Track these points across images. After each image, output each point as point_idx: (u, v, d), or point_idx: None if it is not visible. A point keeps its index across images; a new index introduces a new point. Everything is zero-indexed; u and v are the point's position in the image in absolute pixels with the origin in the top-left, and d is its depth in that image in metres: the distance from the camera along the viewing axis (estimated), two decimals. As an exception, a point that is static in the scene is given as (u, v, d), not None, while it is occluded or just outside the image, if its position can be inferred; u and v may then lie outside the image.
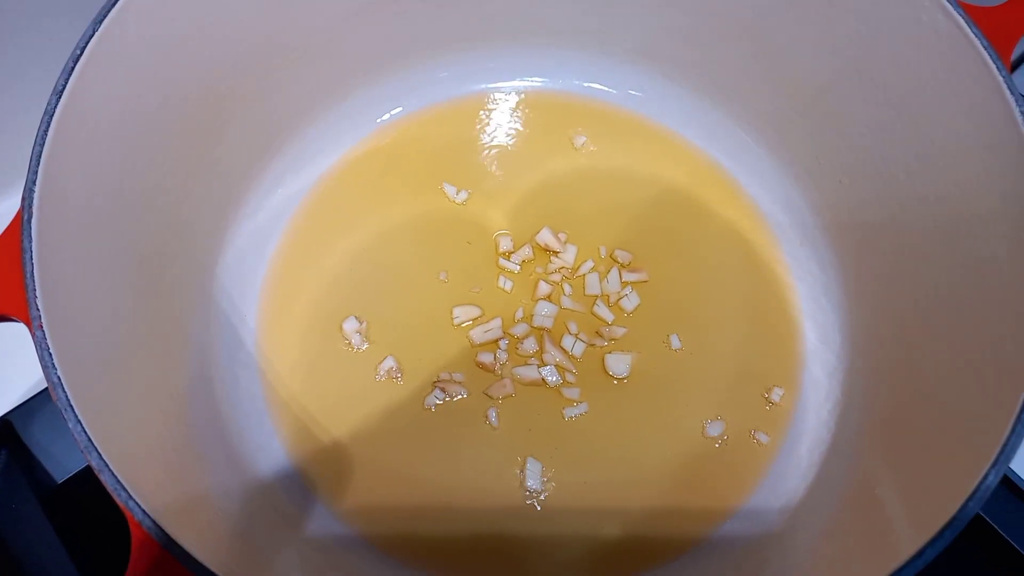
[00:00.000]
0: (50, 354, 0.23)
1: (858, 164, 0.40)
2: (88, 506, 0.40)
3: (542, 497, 0.36)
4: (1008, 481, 0.39)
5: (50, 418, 0.41)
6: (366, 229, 0.43)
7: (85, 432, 0.22)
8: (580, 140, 0.46)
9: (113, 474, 0.22)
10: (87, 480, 0.40)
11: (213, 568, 0.21)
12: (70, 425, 0.22)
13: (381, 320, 0.41)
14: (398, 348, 0.40)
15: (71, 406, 0.23)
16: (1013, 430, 0.23)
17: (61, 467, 0.40)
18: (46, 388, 0.41)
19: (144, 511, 0.22)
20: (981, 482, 0.22)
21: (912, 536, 0.22)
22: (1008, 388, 0.25)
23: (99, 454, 0.22)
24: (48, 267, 0.26)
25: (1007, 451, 0.23)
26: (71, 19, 0.41)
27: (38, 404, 0.41)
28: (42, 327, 0.24)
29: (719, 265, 0.43)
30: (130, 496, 0.22)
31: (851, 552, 0.27)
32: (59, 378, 0.23)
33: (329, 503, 0.36)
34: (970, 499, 0.22)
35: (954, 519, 0.22)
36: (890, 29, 0.35)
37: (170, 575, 0.22)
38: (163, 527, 0.21)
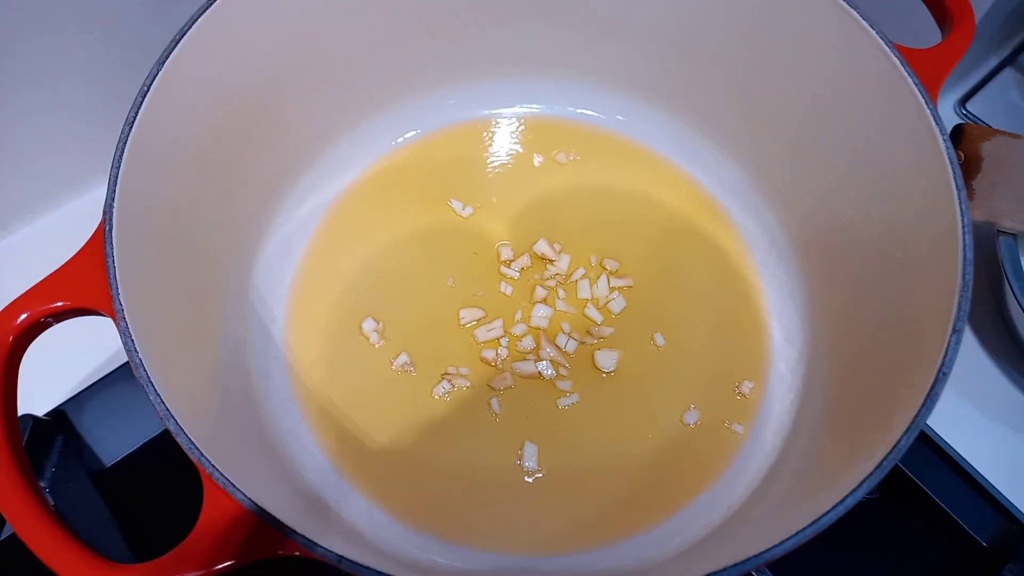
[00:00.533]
0: (132, 340, 0.28)
1: (820, 189, 0.44)
2: (134, 486, 0.44)
3: (537, 475, 0.40)
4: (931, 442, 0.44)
5: (98, 409, 0.44)
6: (382, 239, 0.47)
7: (164, 403, 0.27)
8: (561, 157, 0.50)
9: (188, 436, 0.27)
10: (132, 464, 0.45)
11: (285, 520, 0.26)
12: (151, 398, 0.27)
13: (395, 320, 0.44)
14: (411, 345, 0.43)
15: (151, 381, 0.27)
16: (922, 407, 0.28)
17: (109, 452, 0.43)
18: (95, 382, 0.46)
19: (214, 465, 0.26)
20: (896, 444, 0.27)
21: (841, 488, 0.27)
22: (923, 379, 0.30)
23: (175, 420, 0.27)
24: (124, 270, 0.31)
25: (917, 421, 0.28)
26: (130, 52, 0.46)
27: (88, 396, 0.44)
28: (125, 318, 0.29)
29: (697, 272, 0.47)
30: (203, 454, 0.26)
31: (799, 506, 0.31)
32: (140, 360, 0.28)
33: (350, 478, 0.40)
34: (885, 458, 0.27)
35: (873, 472, 0.27)
36: (847, 82, 0.40)
37: (239, 521, 0.26)
38: (234, 482, 0.26)
